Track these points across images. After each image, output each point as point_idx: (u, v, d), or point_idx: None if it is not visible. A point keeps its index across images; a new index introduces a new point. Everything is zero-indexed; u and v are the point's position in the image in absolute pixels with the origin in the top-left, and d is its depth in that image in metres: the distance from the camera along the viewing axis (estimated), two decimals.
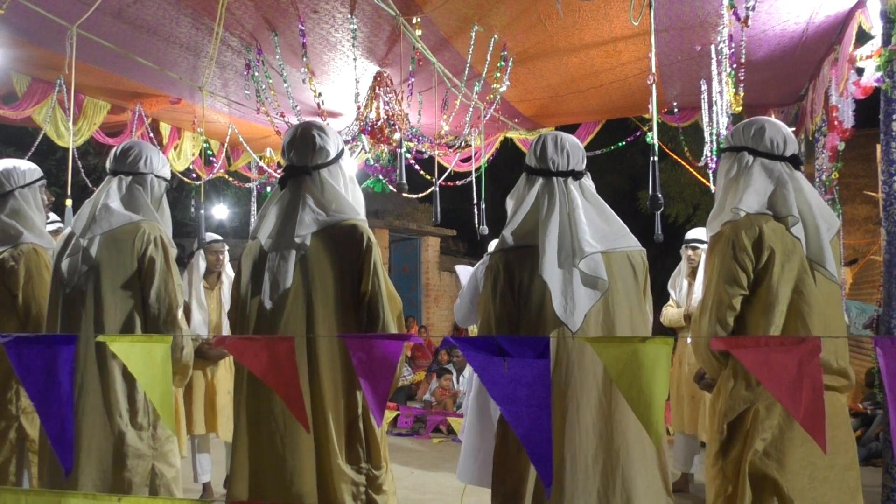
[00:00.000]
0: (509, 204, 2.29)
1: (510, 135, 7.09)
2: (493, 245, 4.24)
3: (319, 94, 5.07)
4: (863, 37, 3.87)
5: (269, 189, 7.38)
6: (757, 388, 2.08)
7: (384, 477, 2.20)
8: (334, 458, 2.10)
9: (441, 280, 13.40)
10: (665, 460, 2.12)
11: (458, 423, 6.31)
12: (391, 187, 6.49)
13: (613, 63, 5.15)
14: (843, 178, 5.11)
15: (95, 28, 4.33)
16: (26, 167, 2.85)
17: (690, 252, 4.61)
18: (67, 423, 1.72)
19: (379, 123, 5.33)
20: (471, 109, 5.75)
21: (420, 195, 7.02)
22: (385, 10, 4.03)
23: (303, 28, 4.51)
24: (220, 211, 12.73)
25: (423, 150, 6.22)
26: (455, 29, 4.63)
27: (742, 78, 4.41)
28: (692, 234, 4.68)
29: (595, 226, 2.17)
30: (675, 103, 6.07)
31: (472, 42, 4.64)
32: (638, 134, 6.71)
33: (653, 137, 3.73)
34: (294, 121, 5.27)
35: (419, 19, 4.33)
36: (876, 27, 3.56)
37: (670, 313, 4.74)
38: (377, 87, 5.34)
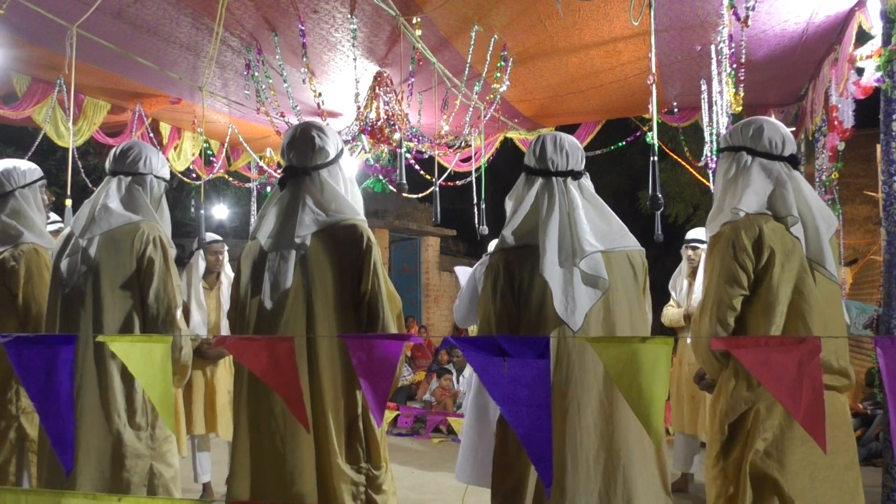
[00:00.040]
0: (508, 204, 2.29)
1: (510, 135, 7.09)
2: (492, 245, 4.25)
3: (319, 94, 5.07)
4: (863, 37, 3.88)
5: (269, 189, 7.38)
6: (758, 388, 2.08)
7: (384, 477, 2.20)
8: (334, 457, 2.10)
9: (441, 280, 13.40)
10: (664, 460, 2.12)
11: (458, 423, 6.31)
12: (391, 187, 6.49)
13: (613, 63, 5.15)
14: (843, 178, 5.11)
15: (95, 28, 4.33)
16: (26, 167, 2.85)
17: (690, 252, 4.62)
18: (68, 424, 1.72)
19: (379, 123, 5.33)
20: (471, 109, 5.75)
21: (420, 195, 7.02)
22: (385, 10, 4.03)
23: (303, 28, 4.51)
24: (220, 211, 12.73)
25: (423, 150, 6.22)
26: (455, 29, 4.63)
27: (742, 78, 4.41)
28: (692, 234, 4.68)
29: (595, 225, 2.17)
30: (675, 103, 6.07)
31: (472, 42, 4.64)
32: (638, 134, 6.71)
33: (653, 137, 3.73)
34: (294, 121, 5.27)
35: (419, 19, 4.34)
36: (876, 27, 3.56)
37: (671, 313, 4.74)
38: (377, 87, 5.34)
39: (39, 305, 2.65)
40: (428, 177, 6.70)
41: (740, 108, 4.56)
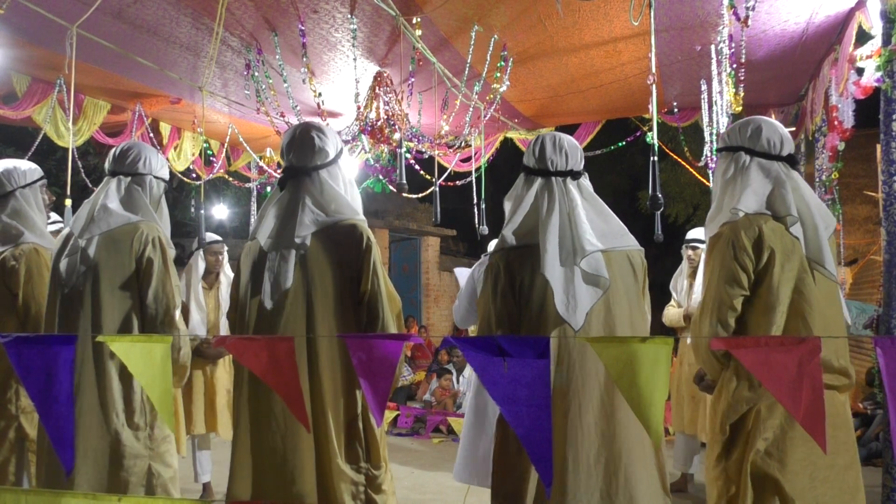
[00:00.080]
0: (507, 204, 2.29)
1: (510, 135, 7.09)
2: (492, 245, 4.25)
3: (319, 94, 5.07)
4: (863, 37, 3.87)
5: (269, 189, 7.38)
6: (759, 388, 2.07)
7: (383, 476, 2.20)
8: (334, 457, 2.10)
9: (441, 280, 13.40)
10: (663, 460, 2.13)
11: (458, 423, 6.31)
12: (391, 187, 6.48)
13: (613, 63, 5.15)
14: (843, 178, 5.11)
15: (95, 28, 4.33)
16: (27, 167, 2.85)
17: (690, 252, 4.62)
18: (68, 424, 1.72)
19: (379, 123, 5.33)
20: (471, 109, 5.75)
21: (420, 195, 7.02)
22: (385, 10, 4.03)
23: (303, 28, 4.51)
24: (220, 211, 12.73)
25: (423, 150, 6.22)
26: (455, 29, 4.63)
27: (742, 78, 4.41)
28: (692, 233, 4.68)
29: (595, 225, 2.18)
30: (675, 103, 6.07)
31: (472, 42, 4.64)
32: (638, 134, 6.71)
33: (653, 137, 3.73)
34: (294, 121, 5.27)
35: (419, 19, 4.33)
36: (876, 27, 3.56)
37: (671, 313, 4.74)
38: (377, 87, 5.34)
39: (39, 305, 2.65)
40: (428, 177, 6.70)
41: (740, 108, 4.56)
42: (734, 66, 4.35)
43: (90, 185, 6.15)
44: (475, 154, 6.48)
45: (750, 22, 3.72)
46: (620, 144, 6.94)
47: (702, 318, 2.20)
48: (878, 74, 3.37)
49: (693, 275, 4.62)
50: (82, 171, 6.10)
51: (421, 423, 7.04)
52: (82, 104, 5.84)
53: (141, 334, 2.39)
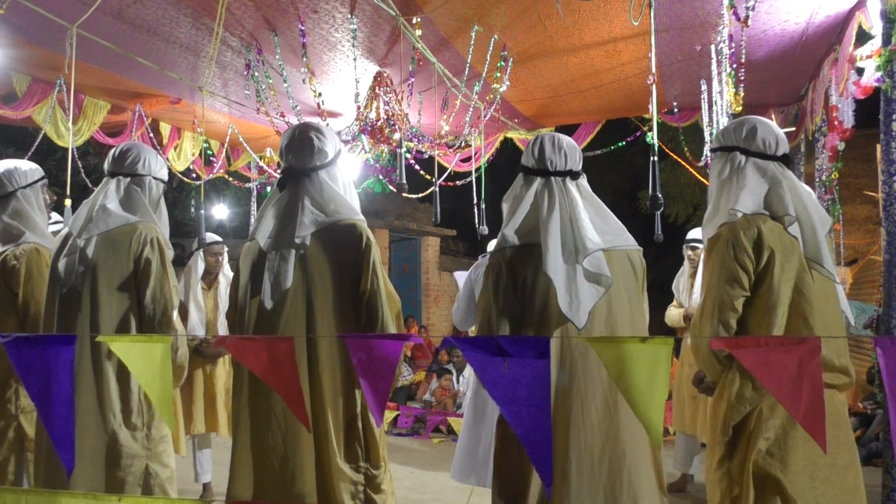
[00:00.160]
0: (506, 204, 2.29)
1: (510, 135, 7.09)
2: (492, 245, 4.25)
3: (319, 94, 5.07)
4: (863, 37, 3.87)
5: (269, 189, 7.38)
6: (762, 388, 2.07)
7: (383, 476, 2.20)
8: (333, 457, 2.11)
9: (441, 280, 13.40)
10: (661, 459, 2.13)
11: (458, 423, 6.30)
12: (391, 187, 6.48)
13: (613, 63, 5.15)
14: (843, 178, 5.11)
15: (95, 28, 4.33)
16: (28, 167, 2.85)
17: (690, 252, 4.61)
18: (68, 424, 1.72)
19: (379, 123, 5.33)
20: (471, 109, 5.75)
21: (420, 195, 7.02)
22: (385, 10, 4.03)
23: (303, 28, 4.51)
24: (220, 211, 12.73)
25: (423, 150, 6.22)
26: (455, 29, 4.63)
27: (742, 78, 4.41)
28: (693, 233, 4.68)
29: (595, 224, 2.18)
30: (675, 103, 6.07)
31: (472, 42, 4.64)
32: (638, 134, 6.71)
33: (653, 137, 3.73)
34: (294, 121, 5.27)
35: (419, 19, 4.33)
36: (876, 27, 3.56)
37: (672, 314, 4.74)
38: (377, 87, 5.34)
39: (39, 305, 2.65)
40: (428, 177, 6.70)
41: (740, 108, 4.56)
42: (734, 66, 4.35)
43: (90, 185, 6.15)
44: (475, 154, 6.48)
45: (750, 22, 3.72)
46: (620, 144, 6.94)
47: (702, 320, 2.19)
48: (878, 74, 3.37)
49: (694, 275, 4.62)
50: (82, 171, 6.11)
51: (421, 423, 7.04)
52: (82, 104, 5.84)
53: (141, 334, 2.39)
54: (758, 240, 2.12)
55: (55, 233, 3.23)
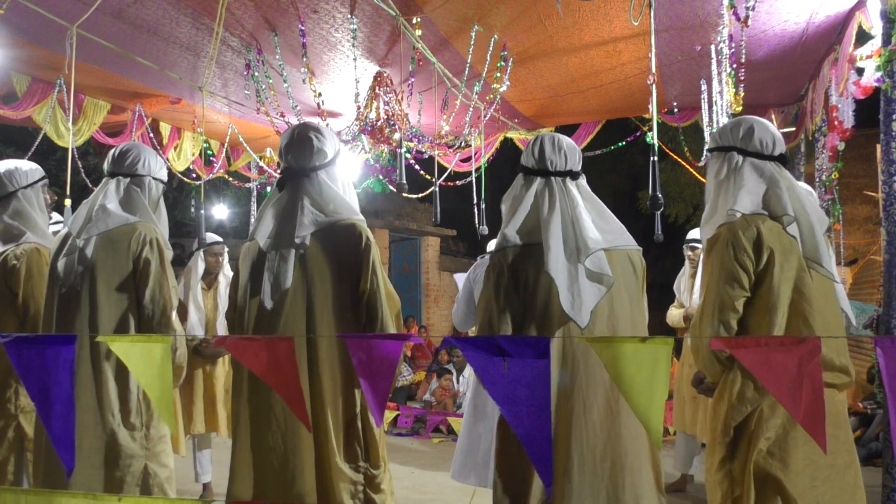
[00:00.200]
0: (505, 204, 2.30)
1: (510, 135, 7.09)
2: (491, 245, 4.25)
3: (319, 94, 5.07)
4: (863, 37, 3.87)
5: (269, 189, 7.38)
6: (763, 389, 2.06)
7: (382, 476, 2.20)
8: (333, 456, 2.11)
9: (441, 280, 13.40)
10: (659, 458, 2.13)
11: (458, 423, 6.30)
12: (391, 187, 6.48)
13: (613, 63, 5.15)
14: (843, 178, 5.11)
15: (95, 28, 4.33)
16: (28, 167, 2.85)
17: (690, 252, 4.61)
18: (68, 424, 1.72)
19: (379, 123, 5.33)
20: (471, 109, 5.75)
21: (420, 195, 7.01)
22: (385, 10, 4.03)
23: (303, 28, 4.51)
24: (220, 211, 12.73)
25: (423, 150, 6.22)
26: (455, 29, 4.63)
27: (742, 78, 4.41)
28: (693, 233, 4.68)
29: (596, 224, 2.19)
30: (675, 103, 6.07)
31: (472, 42, 4.64)
32: (638, 134, 6.71)
33: (653, 137, 3.73)
34: (294, 121, 5.27)
35: (419, 19, 4.33)
36: (876, 27, 3.56)
37: (673, 314, 4.74)
38: (377, 87, 5.34)
39: (39, 305, 2.65)
40: (428, 177, 6.70)
41: (740, 108, 4.56)
42: (734, 66, 4.35)
43: (90, 185, 6.15)
44: (475, 154, 6.48)
45: (750, 22, 3.72)
46: (620, 144, 6.94)
47: (702, 321, 2.19)
48: (878, 74, 3.37)
49: (694, 275, 4.62)
50: (82, 171, 6.10)
51: (421, 423, 7.04)
52: (82, 104, 5.84)
53: (140, 334, 2.39)
54: (757, 240, 2.12)
55: (56, 233, 3.23)
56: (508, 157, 7.72)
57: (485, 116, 5.60)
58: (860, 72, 3.86)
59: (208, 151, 7.07)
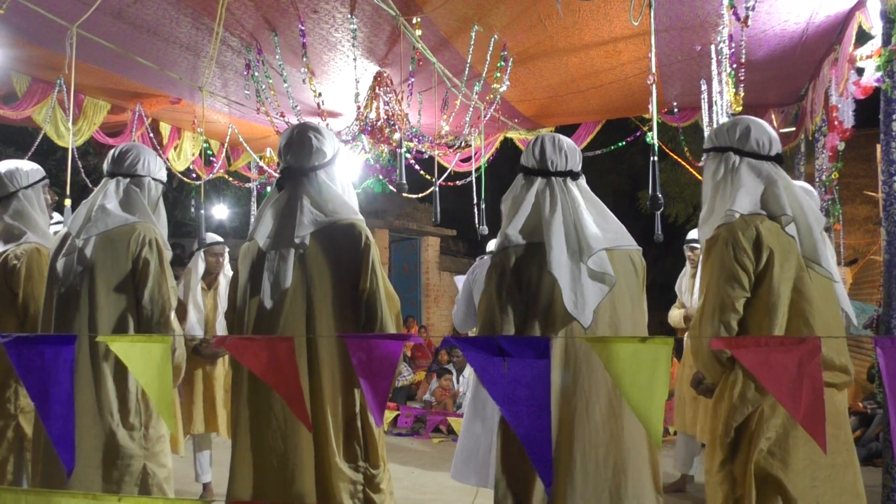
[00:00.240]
0: (506, 204, 2.30)
1: (510, 135, 7.09)
2: (491, 245, 4.25)
3: (319, 94, 5.07)
4: (863, 37, 3.87)
5: (269, 189, 7.37)
6: (765, 389, 2.06)
7: (382, 476, 2.20)
8: (332, 456, 2.11)
9: (441, 280, 13.40)
10: (657, 458, 2.13)
11: (458, 423, 6.30)
12: (391, 187, 6.48)
13: (613, 63, 5.15)
14: (843, 178, 5.11)
15: (95, 28, 4.33)
16: (29, 168, 2.86)
17: (690, 252, 4.61)
18: (68, 424, 1.72)
19: (379, 123, 5.33)
20: (471, 109, 5.75)
21: (420, 195, 7.02)
22: (385, 10, 4.03)
23: (303, 28, 4.51)
24: (220, 211, 12.74)
25: (423, 150, 6.22)
26: (455, 29, 4.63)
27: (742, 78, 4.41)
28: (693, 234, 4.67)
29: (597, 224, 2.19)
30: (675, 103, 6.07)
31: (472, 42, 4.64)
32: (638, 134, 6.71)
33: (653, 137, 3.73)
34: (294, 121, 5.27)
35: (419, 19, 4.34)
36: (876, 27, 3.56)
37: (674, 314, 4.74)
38: (377, 87, 5.34)
39: (39, 305, 2.65)
40: (428, 177, 6.70)
41: (740, 108, 4.56)
42: (734, 66, 4.35)
43: (90, 185, 6.15)
44: (475, 154, 6.48)
45: (750, 22, 3.72)
46: (620, 144, 6.94)
47: (703, 321, 2.18)
48: (878, 74, 3.37)
49: (695, 275, 4.62)
50: (82, 171, 6.10)
51: (421, 423, 7.04)
52: (82, 104, 5.84)
53: (140, 334, 2.39)
54: (756, 240, 2.12)
55: (57, 233, 3.24)
56: (508, 157, 7.72)
57: (485, 116, 5.60)
58: (860, 72, 3.86)
59: (208, 151, 7.07)
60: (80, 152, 7.66)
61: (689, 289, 4.65)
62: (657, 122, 3.99)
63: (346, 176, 2.43)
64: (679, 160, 7.23)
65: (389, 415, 7.00)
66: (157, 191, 2.66)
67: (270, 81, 5.24)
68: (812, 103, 5.32)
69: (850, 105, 4.13)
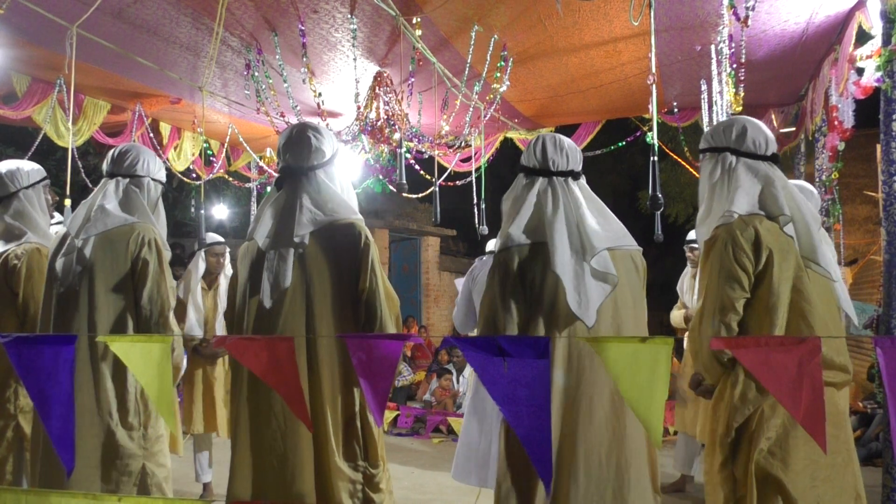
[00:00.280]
0: (506, 204, 2.30)
1: (510, 135, 7.09)
2: (490, 245, 4.25)
3: (319, 94, 5.07)
4: (863, 37, 3.87)
5: (268, 189, 7.37)
6: (766, 389, 2.06)
7: (381, 475, 2.20)
8: (332, 455, 2.11)
9: (441, 280, 13.40)
10: (656, 457, 2.13)
11: (458, 423, 6.30)
12: (391, 187, 6.48)
13: (613, 63, 5.15)
14: (843, 178, 5.11)
15: (95, 28, 4.33)
16: (30, 168, 2.86)
17: (690, 253, 4.61)
18: (68, 424, 1.72)
19: (379, 123, 5.33)
20: (471, 109, 5.75)
21: (420, 195, 7.02)
22: (385, 10, 4.03)
23: (303, 28, 4.51)
24: (220, 211, 12.74)
25: (423, 150, 6.22)
26: (455, 29, 4.63)
27: (742, 78, 4.41)
28: (693, 234, 4.68)
29: (599, 224, 2.20)
30: (675, 103, 6.07)
31: (472, 42, 4.64)
32: (638, 134, 6.71)
33: (653, 137, 3.73)
34: (294, 121, 5.27)
35: (419, 19, 4.33)
36: (876, 27, 3.56)
37: (675, 315, 4.74)
38: (377, 87, 5.34)
39: (39, 304, 2.65)
40: (428, 177, 6.70)
41: (740, 108, 4.56)
42: (734, 66, 4.35)
43: (90, 185, 6.14)
44: (475, 154, 6.48)
45: (750, 22, 3.72)
46: (620, 144, 6.94)
47: (703, 322, 2.18)
48: (878, 74, 3.37)
49: (696, 275, 4.62)
50: (82, 171, 6.11)
51: (421, 423, 7.04)
52: (82, 104, 5.84)
53: (140, 334, 2.39)
54: (756, 240, 2.12)
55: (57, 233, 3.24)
56: (508, 157, 7.72)
57: (485, 116, 5.60)
58: (860, 72, 3.86)
59: (208, 151, 7.07)
60: (80, 152, 7.66)
61: (691, 289, 4.65)
62: (657, 122, 3.99)
63: (346, 175, 2.43)
64: (679, 160, 7.23)
65: (389, 415, 7.00)
66: (157, 191, 2.66)
67: (270, 81, 5.24)
68: (812, 103, 5.32)
69: (850, 105, 4.13)
